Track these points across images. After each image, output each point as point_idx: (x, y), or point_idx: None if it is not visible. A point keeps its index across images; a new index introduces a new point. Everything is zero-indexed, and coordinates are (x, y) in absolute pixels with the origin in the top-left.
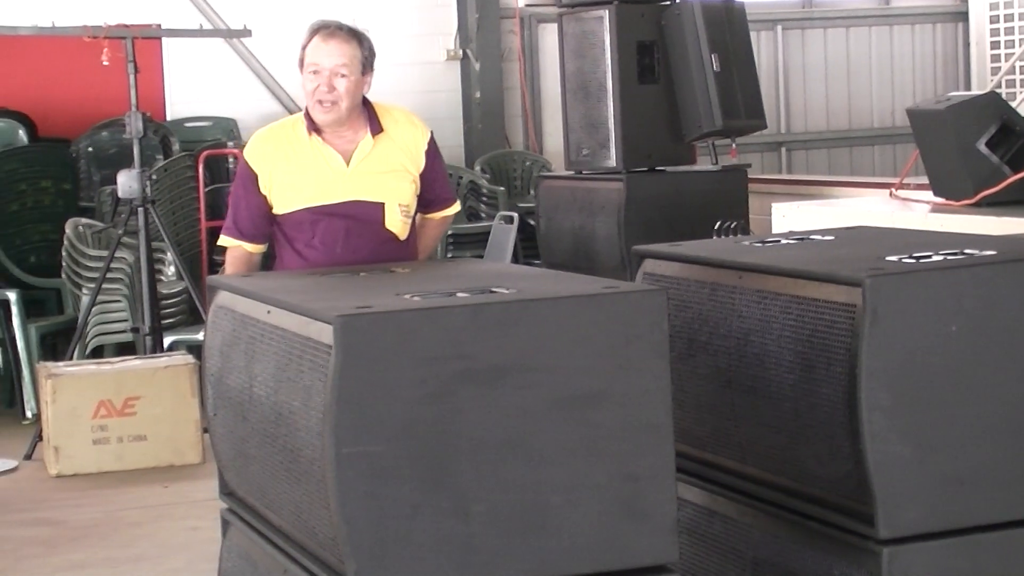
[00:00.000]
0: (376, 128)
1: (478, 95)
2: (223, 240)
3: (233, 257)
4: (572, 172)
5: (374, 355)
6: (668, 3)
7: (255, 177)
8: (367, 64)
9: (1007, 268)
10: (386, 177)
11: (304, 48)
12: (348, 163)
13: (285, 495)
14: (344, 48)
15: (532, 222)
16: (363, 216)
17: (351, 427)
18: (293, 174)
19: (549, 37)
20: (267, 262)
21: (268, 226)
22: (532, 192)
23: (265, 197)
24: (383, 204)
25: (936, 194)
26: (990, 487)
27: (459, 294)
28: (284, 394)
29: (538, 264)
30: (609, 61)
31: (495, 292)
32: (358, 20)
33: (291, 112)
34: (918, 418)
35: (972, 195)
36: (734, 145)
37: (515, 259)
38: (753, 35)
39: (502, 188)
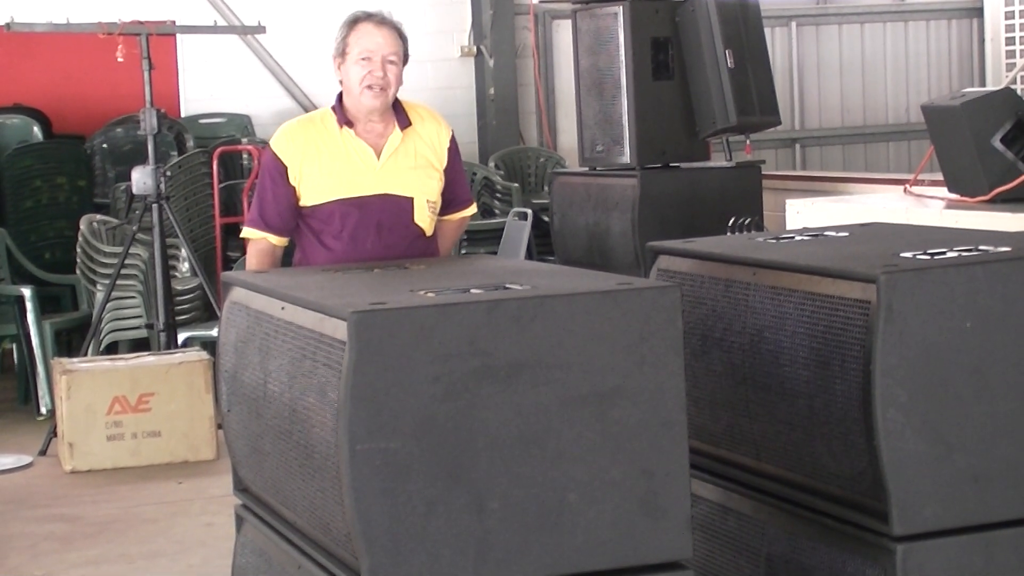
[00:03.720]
0: (404, 123)
1: (492, 92)
2: (247, 232)
3: (257, 250)
4: (586, 168)
5: (388, 351)
6: (682, 0)
7: (284, 169)
8: (406, 57)
9: (1022, 265)
10: (415, 172)
11: (347, 37)
12: (379, 157)
13: (300, 491)
14: (394, 36)
15: (546, 219)
16: (393, 210)
17: (366, 423)
18: (324, 166)
19: (563, 33)
20: (286, 259)
21: (294, 219)
22: (546, 189)
23: (294, 189)
24: (412, 199)
25: (951, 190)
26: (1006, 484)
27: (473, 290)
28: (299, 390)
29: (552, 261)
30: (623, 57)
31: (509, 288)
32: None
33: (305, 109)
34: (933, 415)
35: (987, 192)
36: (748, 141)
37: (529, 256)
38: (767, 31)
39: (516, 185)
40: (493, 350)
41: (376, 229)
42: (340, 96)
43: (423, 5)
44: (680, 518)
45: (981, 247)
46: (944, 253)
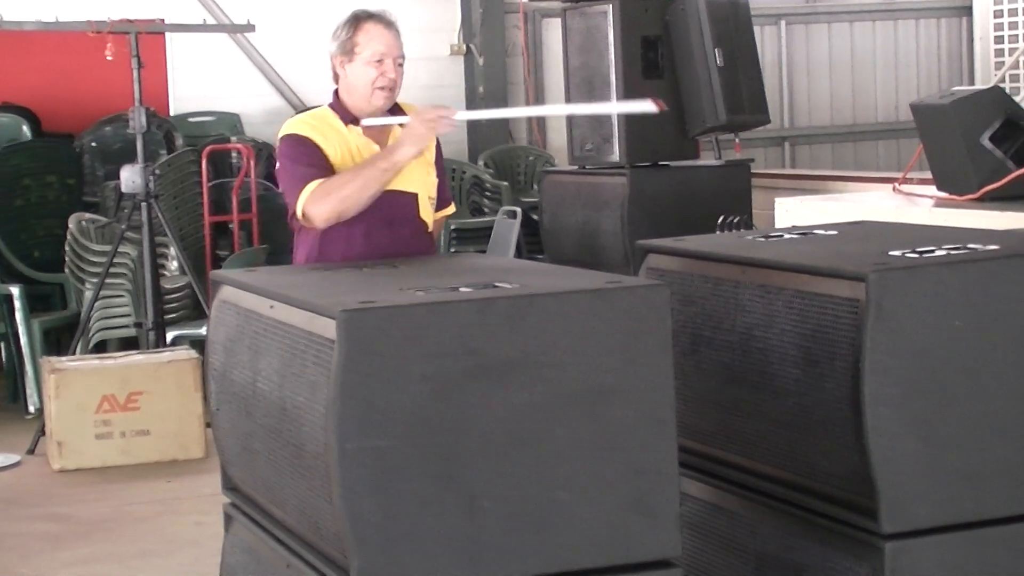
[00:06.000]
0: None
1: (482, 90)
2: (305, 191)
3: (317, 187)
4: (576, 167)
5: (378, 350)
6: None
7: (316, 144)
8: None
9: (1011, 263)
10: (416, 169)
11: (354, 37)
12: None
13: (289, 490)
14: (399, 37)
15: (536, 217)
16: (401, 205)
17: (356, 422)
18: (336, 160)
19: (553, 32)
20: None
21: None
22: (536, 187)
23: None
24: (416, 195)
25: (940, 189)
26: (994, 482)
27: (463, 289)
28: (289, 389)
29: (542, 259)
30: (613, 56)
31: (499, 287)
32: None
33: (295, 107)
34: (922, 413)
35: (976, 190)
36: (738, 140)
37: (518, 254)
38: (757, 30)
39: (506, 183)
40: (483, 349)
41: (388, 225)
42: (337, 94)
43: (412, 3)
44: (670, 517)
45: (970, 245)
46: (933, 252)
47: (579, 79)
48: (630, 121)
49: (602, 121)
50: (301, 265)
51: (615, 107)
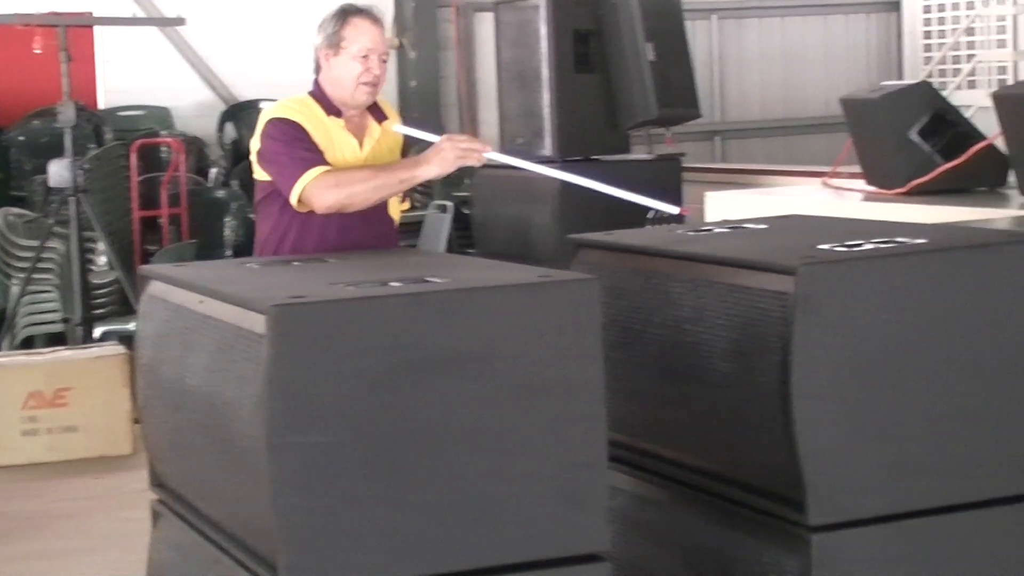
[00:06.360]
0: (381, 116)
1: (414, 84)
2: (309, 174)
3: (326, 177)
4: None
5: (308, 345)
6: None
7: (306, 130)
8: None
9: (938, 257)
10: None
11: (342, 31)
12: (361, 148)
13: (218, 486)
14: (384, 33)
15: (467, 211)
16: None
17: (285, 417)
18: (320, 149)
19: (486, 26)
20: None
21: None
22: (467, 181)
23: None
24: None
25: (869, 183)
26: (921, 473)
27: (393, 283)
28: (218, 384)
29: (473, 253)
30: (545, 50)
31: (429, 281)
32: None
33: (225, 101)
34: (851, 406)
35: (904, 184)
36: (669, 134)
37: (450, 248)
38: (689, 24)
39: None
40: (413, 343)
41: (362, 220)
42: (318, 84)
43: None
44: (599, 510)
45: (899, 239)
46: (862, 245)
47: (511, 73)
48: (561, 115)
49: (534, 115)
50: (231, 260)
51: (639, 199)
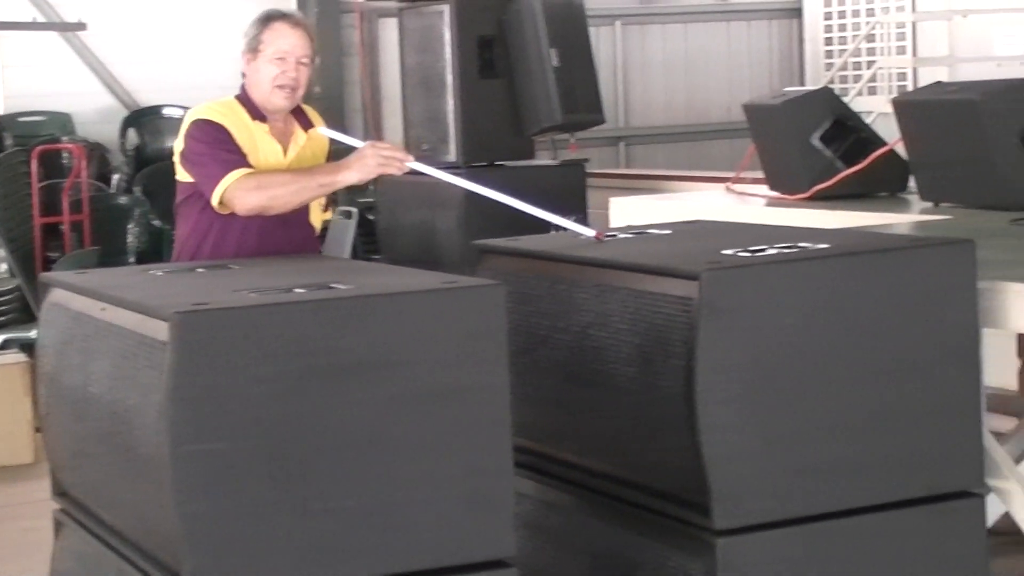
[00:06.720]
0: (307, 124)
1: (318, 90)
2: (231, 176)
3: (248, 179)
4: None
5: (211, 352)
6: None
7: (230, 132)
8: (314, 59)
9: (840, 261)
10: None
11: (261, 35)
12: (285, 154)
13: (122, 494)
14: (307, 39)
15: (372, 217)
16: (299, 208)
17: (189, 425)
18: (243, 152)
19: (390, 32)
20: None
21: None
22: (372, 187)
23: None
24: None
25: (772, 188)
26: (824, 477)
27: (297, 290)
28: (121, 392)
29: (378, 260)
30: (449, 56)
31: (333, 288)
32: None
33: (127, 107)
34: (755, 410)
35: (807, 189)
36: (573, 140)
37: (355, 255)
38: (592, 30)
39: None
40: (317, 350)
41: (283, 225)
42: (244, 88)
43: (245, 2)
44: (504, 516)
45: (801, 244)
46: (765, 250)
47: (416, 79)
48: (466, 121)
49: (438, 121)
50: (133, 267)
51: (556, 219)
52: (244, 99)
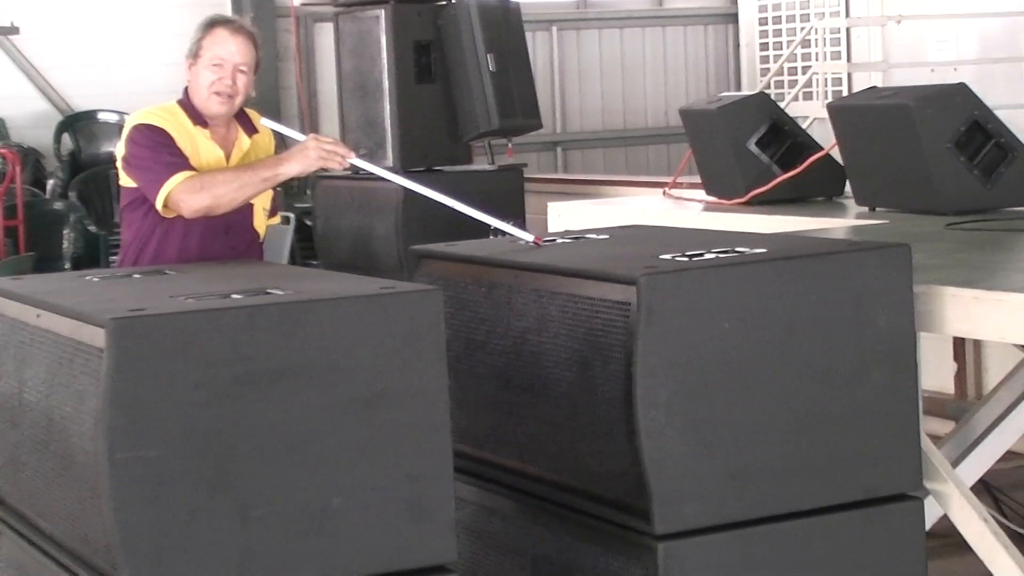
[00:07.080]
0: (251, 130)
1: (253, 95)
2: (174, 179)
3: (192, 180)
4: (350, 172)
5: (148, 358)
6: (444, 3)
7: (172, 136)
8: (258, 66)
9: (777, 265)
10: None
11: (202, 40)
12: (228, 160)
13: (58, 502)
14: (248, 46)
15: (309, 222)
16: (240, 213)
17: (125, 431)
18: (186, 155)
19: (325, 36)
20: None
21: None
22: (309, 192)
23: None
24: (253, 204)
25: (709, 193)
26: (762, 481)
27: (234, 296)
28: (56, 399)
29: (316, 265)
30: (386, 61)
31: (271, 294)
32: (128, 16)
33: (61, 111)
34: (694, 415)
35: (743, 194)
36: (510, 145)
37: (292, 260)
38: (529, 35)
39: (279, 188)
40: (255, 356)
41: (225, 231)
42: (186, 92)
43: (178, 6)
44: (444, 521)
45: (738, 249)
46: (703, 255)
47: (352, 84)
48: (403, 126)
49: (375, 126)
50: (70, 272)
51: (495, 222)
52: (186, 104)
